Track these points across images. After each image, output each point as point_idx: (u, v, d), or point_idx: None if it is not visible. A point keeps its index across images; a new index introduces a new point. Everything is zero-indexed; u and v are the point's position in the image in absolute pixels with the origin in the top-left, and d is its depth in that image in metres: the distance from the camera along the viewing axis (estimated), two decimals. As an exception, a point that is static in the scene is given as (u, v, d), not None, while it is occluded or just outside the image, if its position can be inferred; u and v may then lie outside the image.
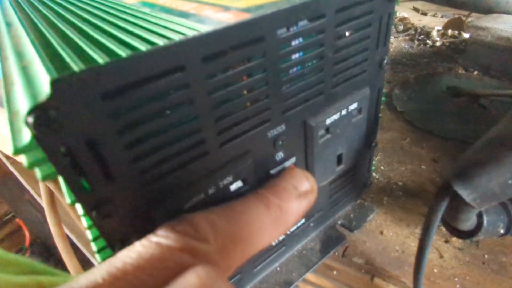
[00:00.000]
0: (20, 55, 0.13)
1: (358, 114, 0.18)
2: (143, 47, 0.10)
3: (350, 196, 0.23)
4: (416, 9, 0.60)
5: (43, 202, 0.45)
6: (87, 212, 0.10)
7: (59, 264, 0.88)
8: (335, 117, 0.16)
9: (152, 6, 0.15)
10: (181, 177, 0.12)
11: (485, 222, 0.16)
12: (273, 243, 0.19)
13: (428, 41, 0.46)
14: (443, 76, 0.37)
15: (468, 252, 0.20)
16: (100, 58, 0.09)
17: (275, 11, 0.12)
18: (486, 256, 0.19)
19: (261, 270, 0.19)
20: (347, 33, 0.15)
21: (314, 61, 0.14)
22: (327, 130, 0.17)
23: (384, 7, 0.16)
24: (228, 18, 0.11)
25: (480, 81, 0.35)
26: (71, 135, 0.09)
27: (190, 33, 0.10)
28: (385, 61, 0.18)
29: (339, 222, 0.22)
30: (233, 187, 0.14)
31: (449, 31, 0.46)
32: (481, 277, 0.18)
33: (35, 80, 0.10)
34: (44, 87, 0.08)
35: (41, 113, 0.08)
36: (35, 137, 0.08)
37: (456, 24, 0.47)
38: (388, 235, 0.21)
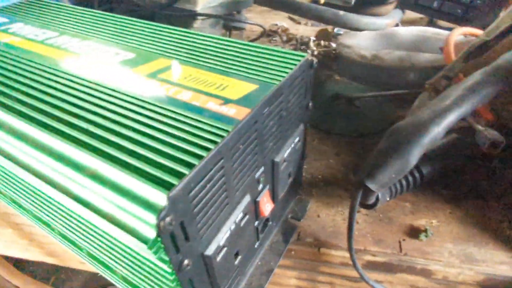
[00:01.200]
0: (79, 167, 0.15)
1: (298, 142, 0.26)
2: (201, 152, 0.14)
3: (292, 195, 0.31)
4: (291, 18, 0.71)
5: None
6: (175, 267, 0.15)
7: None
8: (289, 150, 0.24)
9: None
10: (217, 222, 0.17)
11: (380, 197, 0.26)
12: (255, 246, 0.25)
13: (308, 50, 0.57)
14: (326, 83, 0.49)
15: (371, 216, 0.30)
16: (182, 169, 0.14)
17: (263, 102, 0.18)
18: (381, 215, 0.30)
19: (249, 268, 0.26)
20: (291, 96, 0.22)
21: (278, 120, 0.21)
22: (285, 160, 0.24)
23: (309, 73, 0.23)
24: (236, 114, 0.17)
25: (352, 85, 0.47)
26: (174, 224, 0.13)
27: (221, 133, 0.16)
28: (310, 104, 0.26)
29: (289, 216, 0.30)
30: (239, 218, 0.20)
31: (322, 42, 0.58)
32: (380, 228, 0.29)
33: (131, 191, 0.14)
34: (157, 199, 0.13)
35: (164, 219, 0.13)
36: (159, 234, 0.13)
37: (324, 35, 0.60)
38: (323, 217, 0.30)
